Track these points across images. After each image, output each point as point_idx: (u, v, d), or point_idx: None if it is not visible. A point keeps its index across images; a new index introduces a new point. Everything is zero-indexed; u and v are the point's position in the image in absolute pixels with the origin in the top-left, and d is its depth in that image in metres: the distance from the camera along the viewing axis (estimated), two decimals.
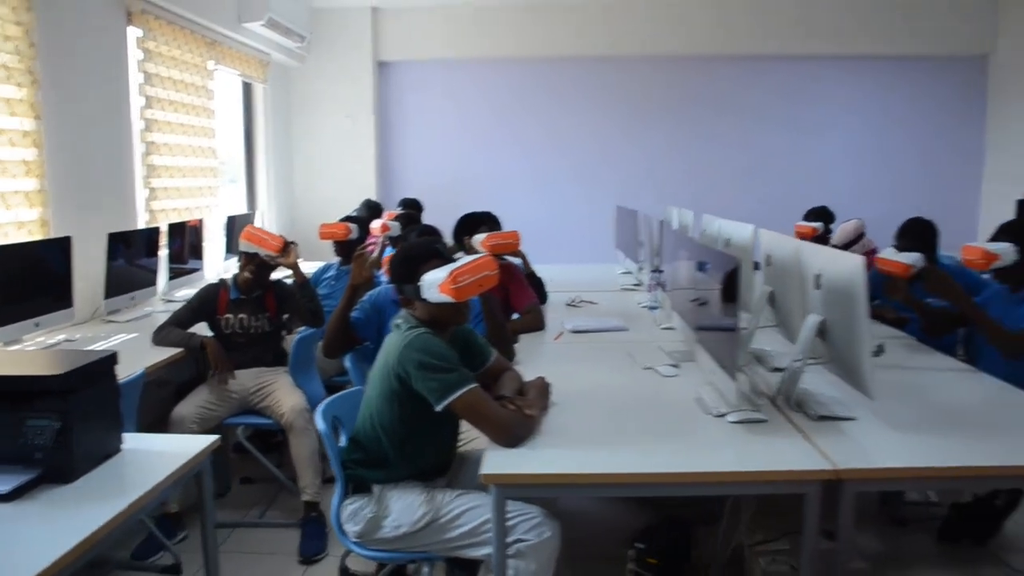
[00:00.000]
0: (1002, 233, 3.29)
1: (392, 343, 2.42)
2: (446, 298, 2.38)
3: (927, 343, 3.59)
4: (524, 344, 3.53)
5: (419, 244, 2.71)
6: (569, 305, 4.44)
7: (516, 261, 4.36)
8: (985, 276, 3.58)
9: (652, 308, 4.22)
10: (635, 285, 4.99)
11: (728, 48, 7.86)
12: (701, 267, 2.75)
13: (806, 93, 8.09)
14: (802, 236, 5.73)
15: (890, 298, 3.51)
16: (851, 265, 2.21)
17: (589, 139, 8.08)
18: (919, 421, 2.50)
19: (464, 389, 2.27)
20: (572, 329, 3.76)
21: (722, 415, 2.44)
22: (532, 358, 3.26)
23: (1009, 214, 6.91)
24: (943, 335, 3.69)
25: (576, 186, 8.08)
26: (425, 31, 7.84)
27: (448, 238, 3.88)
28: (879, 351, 3.31)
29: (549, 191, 8.09)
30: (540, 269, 5.04)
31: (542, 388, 2.60)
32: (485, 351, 2.68)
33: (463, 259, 2.47)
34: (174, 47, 5.43)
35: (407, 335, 2.37)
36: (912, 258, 3.32)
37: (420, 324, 2.42)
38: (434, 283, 2.38)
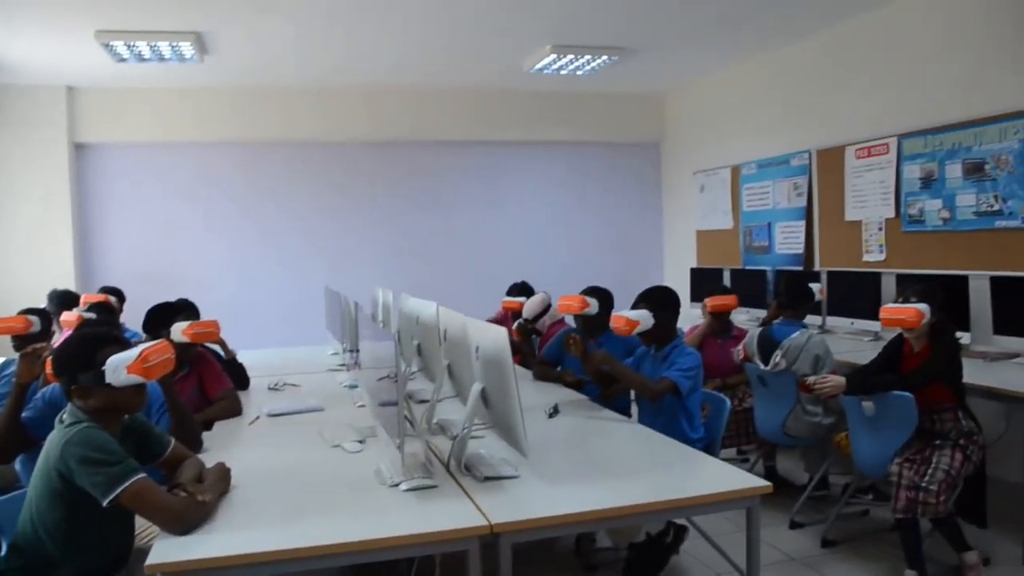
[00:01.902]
0: (641, 301, 3.79)
1: (53, 440, 2.34)
2: (135, 379, 2.38)
3: (603, 404, 3.97)
4: (219, 431, 3.50)
5: (94, 331, 2.66)
6: (271, 389, 4.44)
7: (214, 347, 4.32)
8: None
9: (352, 387, 4.33)
10: (341, 365, 5.07)
11: (434, 134, 8.35)
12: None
13: (510, 175, 8.73)
14: (508, 310, 6.13)
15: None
16: (498, 337, 2.47)
17: (301, 221, 8.16)
18: (577, 472, 2.79)
19: (130, 481, 2.23)
20: (269, 413, 3.77)
21: (396, 484, 2.58)
22: (226, 444, 3.25)
23: (685, 282, 7.84)
24: (616, 396, 4.13)
25: (288, 268, 8.10)
26: (126, 113, 7.58)
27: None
28: (554, 412, 3.64)
29: (261, 274, 8.04)
30: (249, 354, 5.01)
31: (221, 473, 2.61)
32: (162, 440, 2.65)
33: (148, 342, 2.53)
34: None
35: (68, 431, 2.30)
36: (592, 303, 4.16)
37: (86, 417, 2.37)
38: (122, 364, 2.37)
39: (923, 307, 3.64)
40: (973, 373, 3.93)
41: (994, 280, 4.80)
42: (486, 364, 2.62)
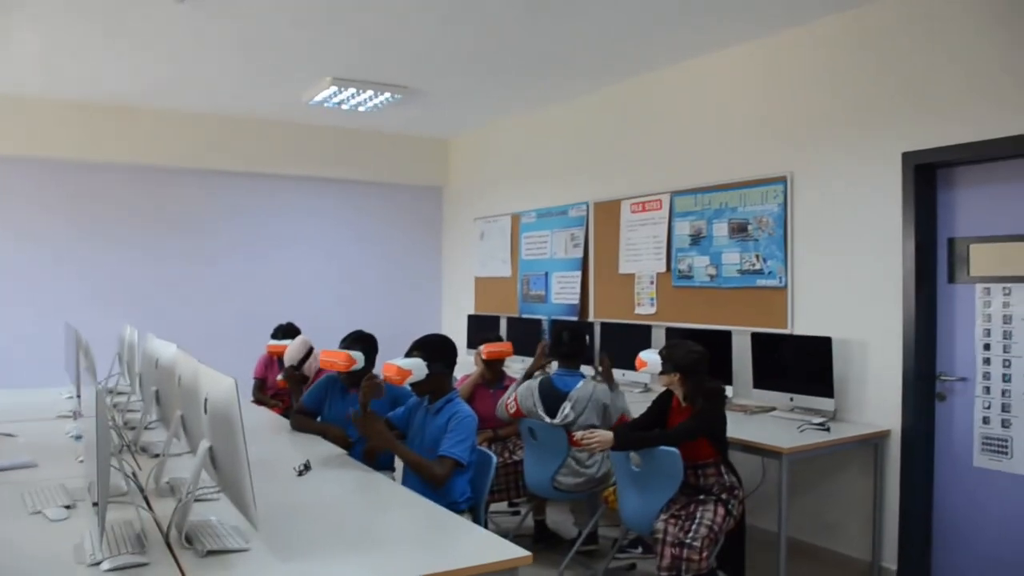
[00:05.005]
0: (415, 349, 3.52)
1: None
2: None
3: (363, 461, 3.63)
4: None
5: None
6: None
7: None
8: None
9: (78, 438, 3.74)
10: (72, 411, 4.42)
11: (201, 162, 7.70)
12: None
13: (286, 211, 8.27)
14: (273, 354, 5.68)
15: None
16: (226, 387, 2.11)
17: (48, 248, 7.22)
18: (319, 543, 2.43)
19: None
20: None
21: (98, 563, 2.14)
22: None
23: (463, 328, 7.72)
24: (379, 454, 3.85)
25: (33, 301, 7.10)
26: None
27: None
28: (305, 469, 3.29)
29: None
30: None
31: None
32: None
33: None
34: None
35: None
36: (358, 358, 3.94)
37: None
38: None
39: (647, 357, 3.98)
40: (734, 426, 3.98)
41: (755, 336, 4.99)
42: (214, 418, 2.25)
